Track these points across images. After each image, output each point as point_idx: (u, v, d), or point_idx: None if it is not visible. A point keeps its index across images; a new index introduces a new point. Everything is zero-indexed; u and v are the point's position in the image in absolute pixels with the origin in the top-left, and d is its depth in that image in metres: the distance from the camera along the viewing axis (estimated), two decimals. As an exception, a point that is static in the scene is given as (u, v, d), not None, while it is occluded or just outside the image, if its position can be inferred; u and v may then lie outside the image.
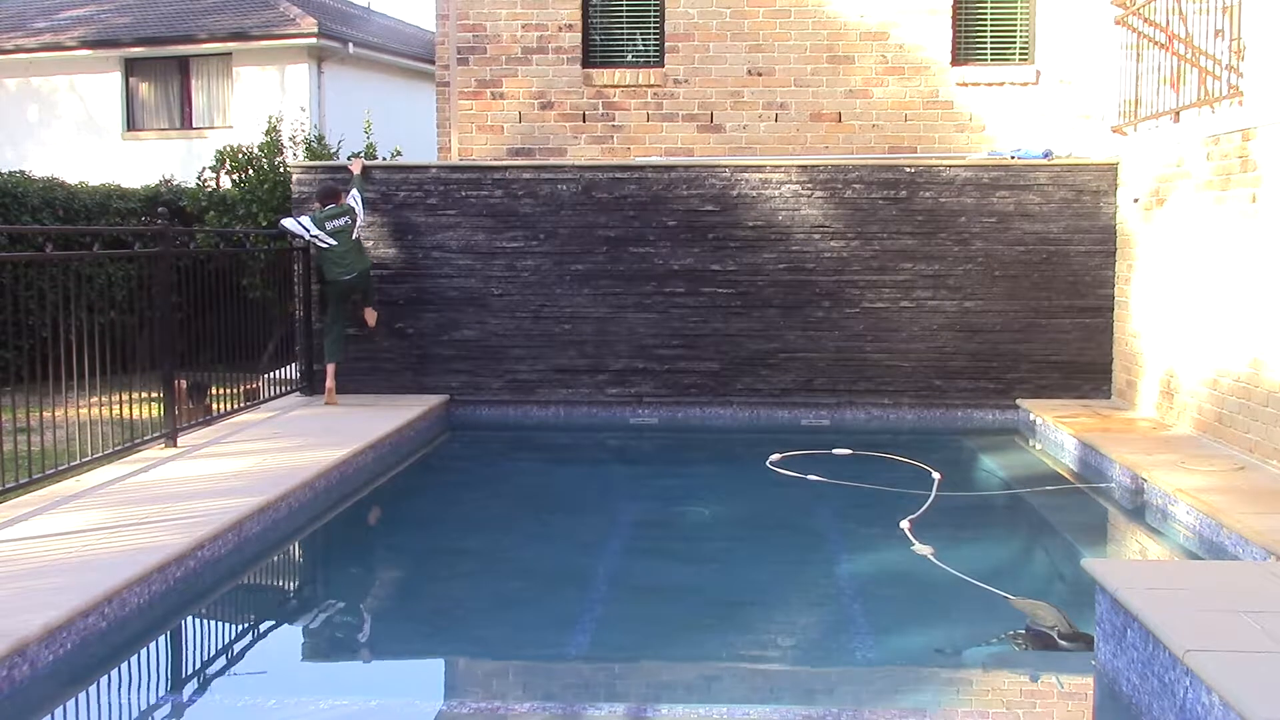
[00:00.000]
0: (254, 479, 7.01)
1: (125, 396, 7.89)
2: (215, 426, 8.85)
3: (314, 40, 18.34)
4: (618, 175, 10.32)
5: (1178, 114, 8.85)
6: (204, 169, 14.40)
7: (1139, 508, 7.22)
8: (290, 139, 14.50)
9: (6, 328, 10.61)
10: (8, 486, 6.35)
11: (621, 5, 11.85)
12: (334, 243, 9.72)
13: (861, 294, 10.21)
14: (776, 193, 10.21)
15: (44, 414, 8.12)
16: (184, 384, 9.19)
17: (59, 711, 4.40)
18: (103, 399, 7.55)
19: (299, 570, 6.80)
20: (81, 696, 4.52)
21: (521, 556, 6.61)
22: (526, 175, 10.34)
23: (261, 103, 18.21)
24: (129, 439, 7.69)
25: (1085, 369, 10.14)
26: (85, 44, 19.34)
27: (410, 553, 6.90)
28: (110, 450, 7.42)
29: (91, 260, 10.33)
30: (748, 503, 7.93)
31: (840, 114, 11.52)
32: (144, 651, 5.01)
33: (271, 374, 10.90)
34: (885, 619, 5.48)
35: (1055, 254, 10.10)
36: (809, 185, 10.20)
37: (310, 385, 10.47)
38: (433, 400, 10.13)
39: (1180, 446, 7.90)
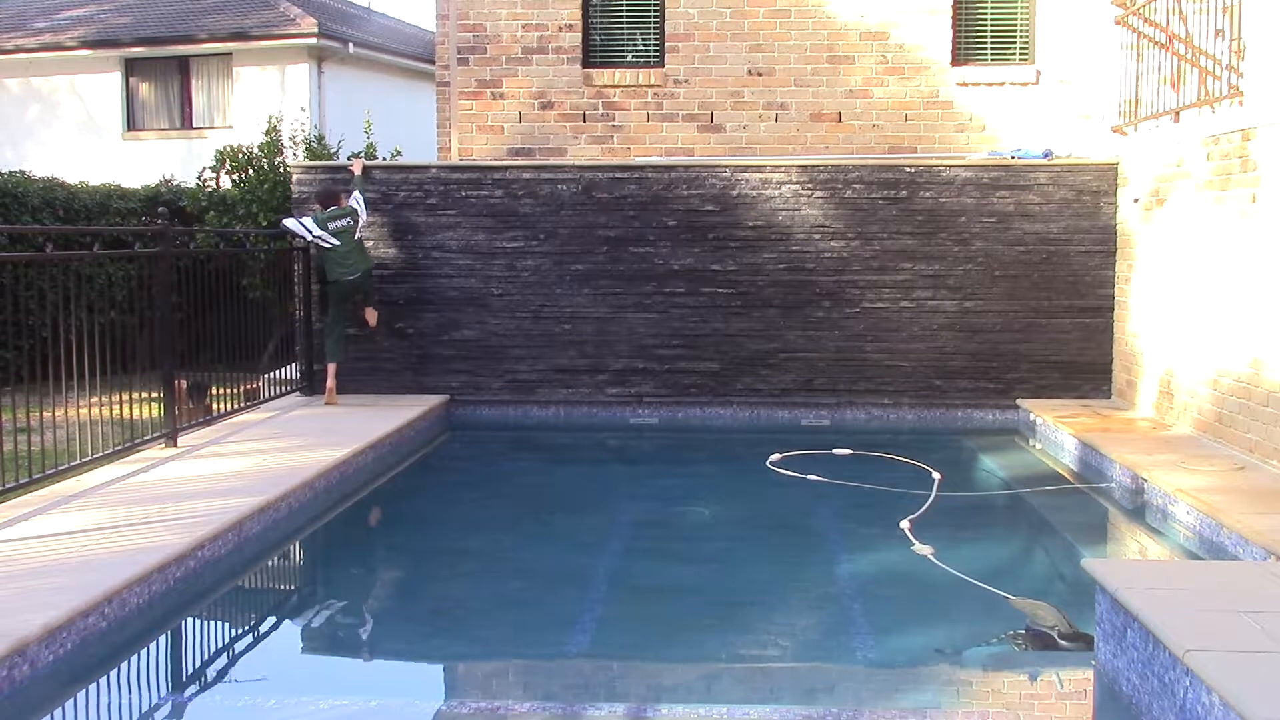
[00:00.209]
0: (254, 479, 7.01)
1: (125, 396, 7.88)
2: (215, 426, 8.85)
3: (314, 40, 18.33)
4: (618, 175, 10.32)
5: (1178, 114, 8.85)
6: (204, 169, 14.40)
7: (1139, 508, 7.22)
8: (290, 139, 14.50)
9: (6, 328, 10.60)
10: (8, 486, 6.35)
11: (621, 5, 11.85)
12: (337, 243, 9.72)
13: (861, 294, 10.21)
14: (777, 193, 10.21)
15: (44, 414, 8.12)
16: (184, 384, 9.19)
17: (59, 711, 4.40)
18: (103, 399, 7.55)
19: (299, 570, 6.80)
20: (81, 696, 4.52)
21: (521, 556, 6.61)
22: (526, 175, 10.34)
23: (261, 103, 18.21)
24: (129, 439, 7.69)
25: (1085, 369, 10.14)
26: (85, 44, 19.33)
27: (410, 553, 6.90)
28: (110, 450, 7.42)
29: (91, 260, 10.34)
30: (748, 503, 7.93)
31: (840, 114, 11.52)
32: (144, 651, 5.01)
33: (271, 374, 10.90)
34: (885, 619, 5.48)
35: (1055, 254, 10.10)
36: (809, 185, 10.20)
37: (310, 385, 10.48)
38: (433, 400, 10.13)
39: (1180, 446, 7.90)
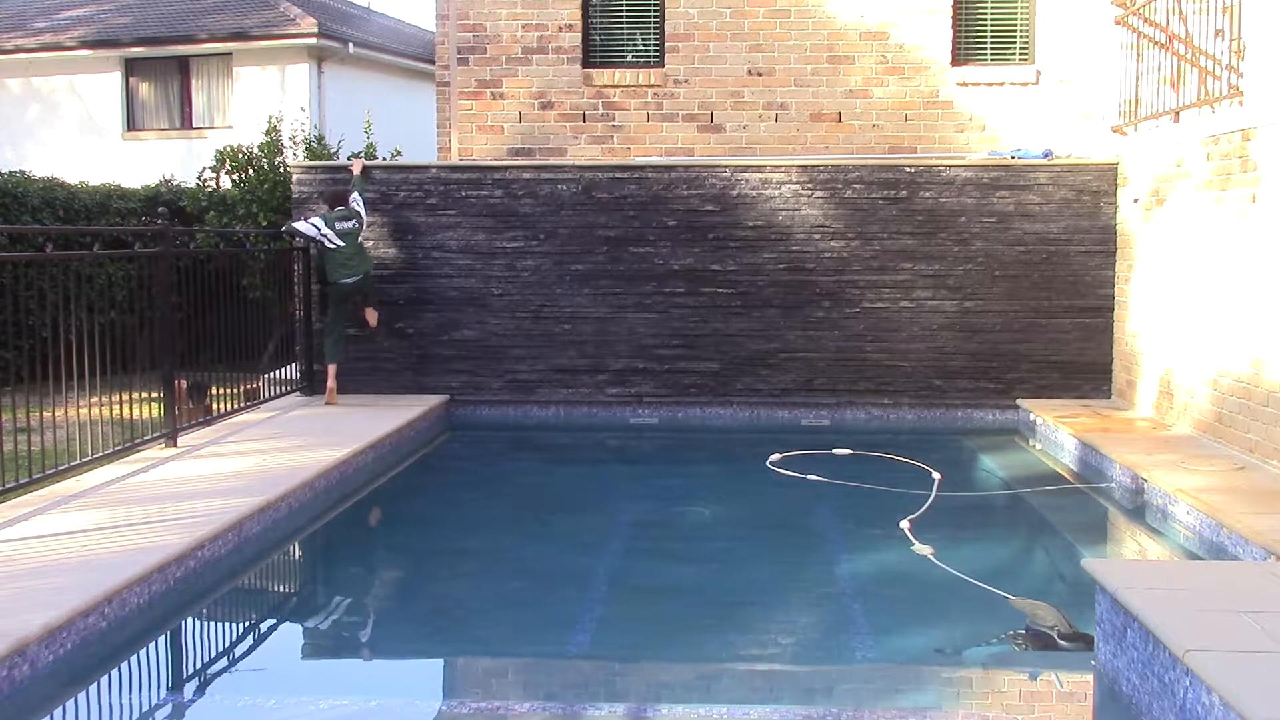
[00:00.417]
0: (254, 479, 7.01)
1: (125, 396, 7.88)
2: (215, 426, 8.85)
3: (314, 40, 18.33)
4: (618, 175, 10.32)
5: (1178, 114, 8.85)
6: (204, 169, 14.41)
7: (1139, 508, 7.22)
8: (290, 139, 14.50)
9: (6, 328, 10.60)
10: (8, 486, 6.35)
11: (621, 5, 11.85)
12: (342, 244, 9.72)
13: (861, 294, 10.21)
14: (776, 193, 10.21)
15: (44, 414, 8.12)
16: (184, 384, 9.19)
17: (59, 711, 4.40)
18: (103, 399, 7.55)
19: (299, 570, 6.80)
20: (81, 696, 4.53)
21: (521, 556, 6.61)
22: (526, 175, 10.35)
23: (261, 103, 18.21)
24: (129, 439, 7.69)
25: (1085, 369, 10.14)
26: (85, 44, 19.33)
27: (410, 553, 6.90)
28: (110, 450, 7.42)
29: (91, 260, 10.33)
30: (748, 503, 7.93)
31: (840, 114, 11.52)
32: (144, 651, 5.01)
33: (271, 374, 10.90)
34: (885, 619, 5.48)
35: (1055, 254, 10.10)
36: (809, 185, 10.20)
37: (310, 385, 10.48)
38: (433, 400, 10.13)
39: (1180, 446, 7.90)
